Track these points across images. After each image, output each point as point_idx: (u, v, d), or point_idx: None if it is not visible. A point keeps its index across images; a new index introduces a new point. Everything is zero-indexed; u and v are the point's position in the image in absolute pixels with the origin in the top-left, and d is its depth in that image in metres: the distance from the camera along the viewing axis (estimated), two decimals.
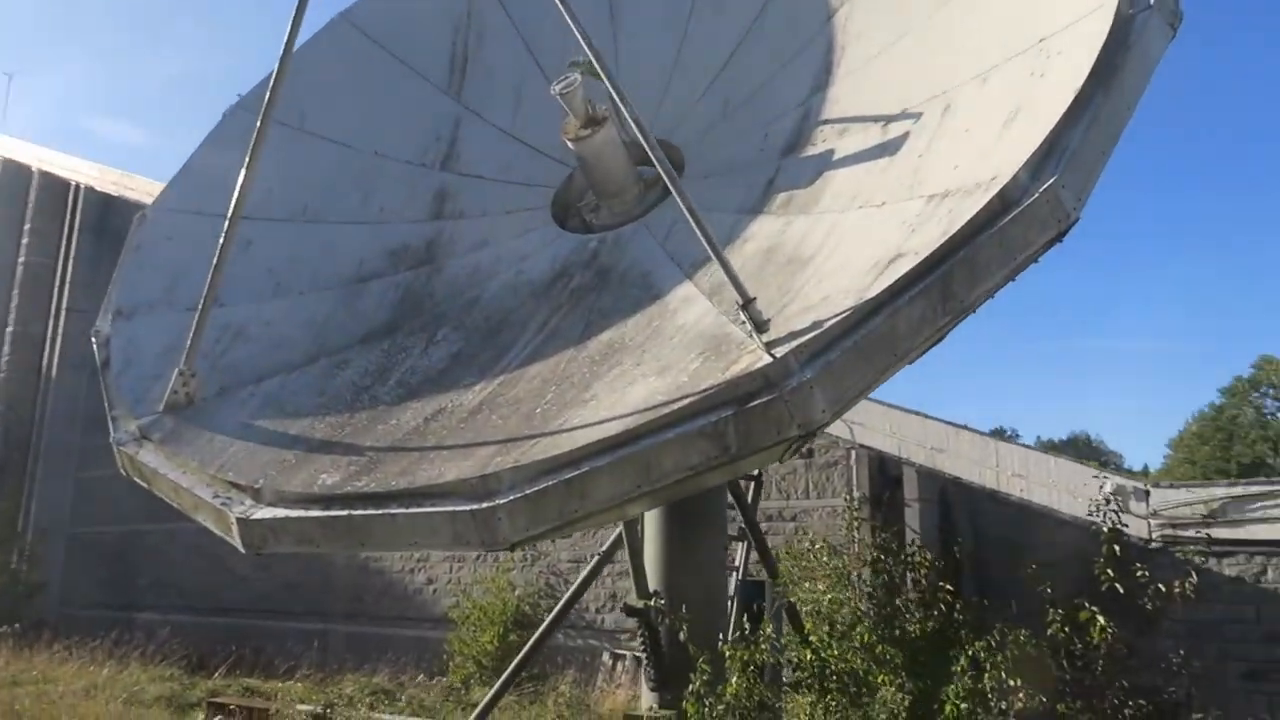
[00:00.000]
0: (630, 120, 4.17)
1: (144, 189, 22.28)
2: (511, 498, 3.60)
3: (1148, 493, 10.16)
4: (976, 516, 10.99)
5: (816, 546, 6.95)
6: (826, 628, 5.89)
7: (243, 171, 4.99)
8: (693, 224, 3.95)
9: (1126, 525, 7.52)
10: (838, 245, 4.47)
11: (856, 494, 11.59)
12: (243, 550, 4.13)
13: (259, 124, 5.01)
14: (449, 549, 6.99)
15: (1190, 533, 9.57)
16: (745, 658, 5.42)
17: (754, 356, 3.72)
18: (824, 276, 4.20)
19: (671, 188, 4.06)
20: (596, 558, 7.59)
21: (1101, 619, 5.87)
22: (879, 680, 5.41)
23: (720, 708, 5.19)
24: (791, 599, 6.78)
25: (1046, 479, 10.75)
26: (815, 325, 3.67)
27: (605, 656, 13.79)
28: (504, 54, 7.48)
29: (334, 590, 17.95)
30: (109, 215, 24.85)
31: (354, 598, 17.61)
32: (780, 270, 4.57)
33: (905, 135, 4.96)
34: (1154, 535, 10.00)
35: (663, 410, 3.64)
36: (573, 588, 7.61)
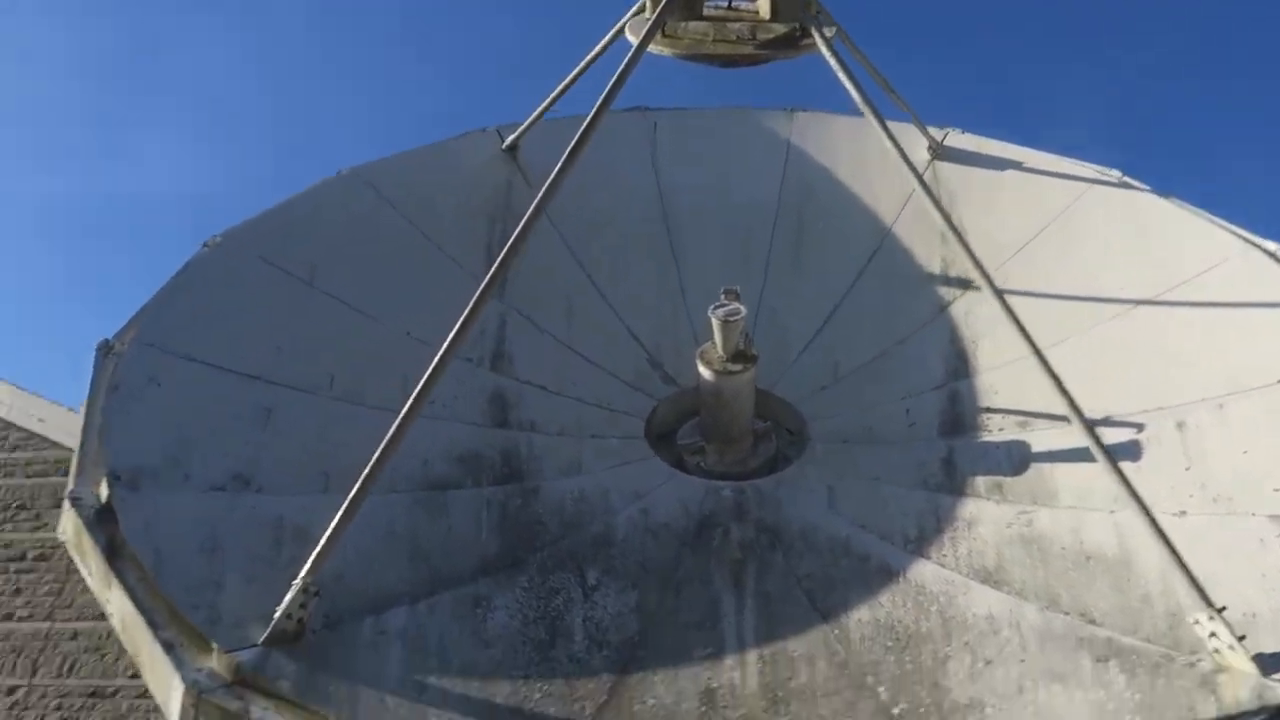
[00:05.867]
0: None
1: None
2: None
3: None
4: None
5: None
6: None
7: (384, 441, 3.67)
8: (1135, 504, 3.36)
9: None
10: (1138, 551, 4.04)
11: None
12: None
13: (435, 362, 3.81)
14: None
15: None
16: None
17: (1238, 679, 3.09)
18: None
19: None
20: None
21: None
22: None
23: None
24: None
25: None
26: None
27: None
28: (547, 256, 6.60)
29: None
30: None
31: None
32: (1085, 570, 4.06)
33: (1135, 444, 4.79)
34: None
35: None
36: None
